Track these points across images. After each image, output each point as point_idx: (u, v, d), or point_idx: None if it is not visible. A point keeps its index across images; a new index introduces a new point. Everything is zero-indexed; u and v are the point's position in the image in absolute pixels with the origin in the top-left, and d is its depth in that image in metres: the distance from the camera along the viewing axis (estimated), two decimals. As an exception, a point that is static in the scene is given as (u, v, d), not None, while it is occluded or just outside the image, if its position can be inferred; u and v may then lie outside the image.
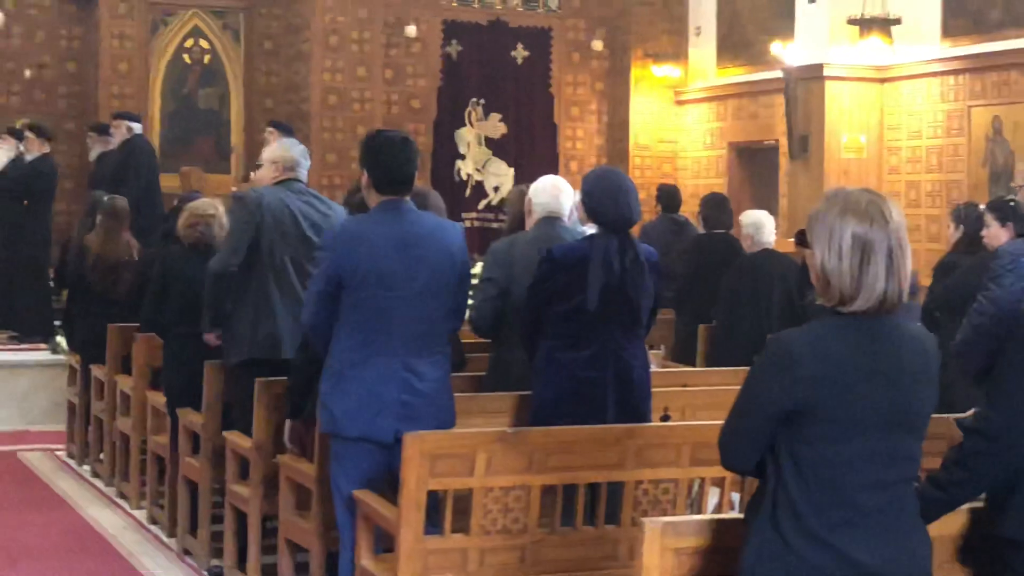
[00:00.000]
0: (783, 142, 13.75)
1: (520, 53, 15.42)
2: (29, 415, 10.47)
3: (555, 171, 13.84)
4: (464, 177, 15.23)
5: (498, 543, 4.40)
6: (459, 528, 4.37)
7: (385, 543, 4.62)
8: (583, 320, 4.91)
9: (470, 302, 5.29)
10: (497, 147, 15.35)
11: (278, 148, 6.32)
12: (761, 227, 8.15)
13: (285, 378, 5.49)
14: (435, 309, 4.77)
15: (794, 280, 7.85)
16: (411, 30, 14.68)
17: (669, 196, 10.27)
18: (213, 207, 7.10)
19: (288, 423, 5.34)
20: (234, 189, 12.28)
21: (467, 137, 15.26)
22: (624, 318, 4.98)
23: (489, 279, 5.54)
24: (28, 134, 11.93)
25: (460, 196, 14.96)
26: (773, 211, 10.61)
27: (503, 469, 4.37)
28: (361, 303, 4.69)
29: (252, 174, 12.39)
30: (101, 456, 8.59)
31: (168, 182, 12.43)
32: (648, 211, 11.15)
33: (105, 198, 8.88)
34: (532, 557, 4.44)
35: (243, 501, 5.94)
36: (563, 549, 4.49)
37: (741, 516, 3.25)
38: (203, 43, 14.54)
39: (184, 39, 14.44)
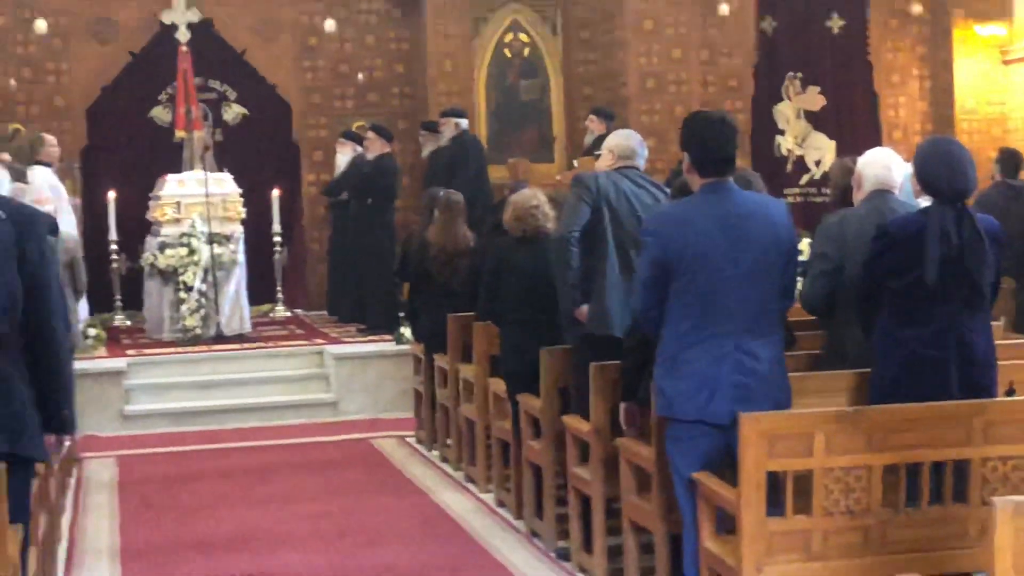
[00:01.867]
0: (1123, 97, 13.07)
1: (836, 23, 15.13)
2: (379, 403, 11.02)
3: (877, 141, 13.58)
4: (785, 152, 15.08)
5: (841, 524, 4.42)
6: (800, 509, 4.40)
7: (727, 525, 4.69)
8: (921, 295, 4.79)
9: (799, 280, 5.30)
10: (817, 120, 15.12)
11: (615, 137, 6.45)
12: (1100, 188, 7.81)
13: (618, 362, 5.62)
14: (764, 289, 4.77)
15: None
16: (724, 8, 14.60)
17: (1008, 159, 9.86)
18: (535, 197, 7.30)
19: (622, 406, 5.47)
20: (558, 178, 12.57)
21: (786, 112, 15.09)
22: (965, 292, 4.84)
23: (821, 255, 5.48)
24: (370, 134, 12.56)
25: (781, 172, 14.83)
26: (1116, 169, 10.10)
27: (843, 449, 4.39)
28: (689, 286, 4.73)
29: (575, 163, 12.70)
30: (448, 441, 8.96)
31: (496, 173, 12.82)
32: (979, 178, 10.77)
33: (441, 193, 9.26)
34: (877, 538, 4.44)
35: (585, 484, 6.11)
36: (908, 529, 4.47)
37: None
38: (522, 36, 14.89)
39: (504, 34, 14.82)
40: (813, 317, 5.87)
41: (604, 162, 6.39)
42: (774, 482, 4.42)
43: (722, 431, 4.72)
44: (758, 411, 4.47)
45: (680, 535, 5.02)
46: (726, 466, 4.72)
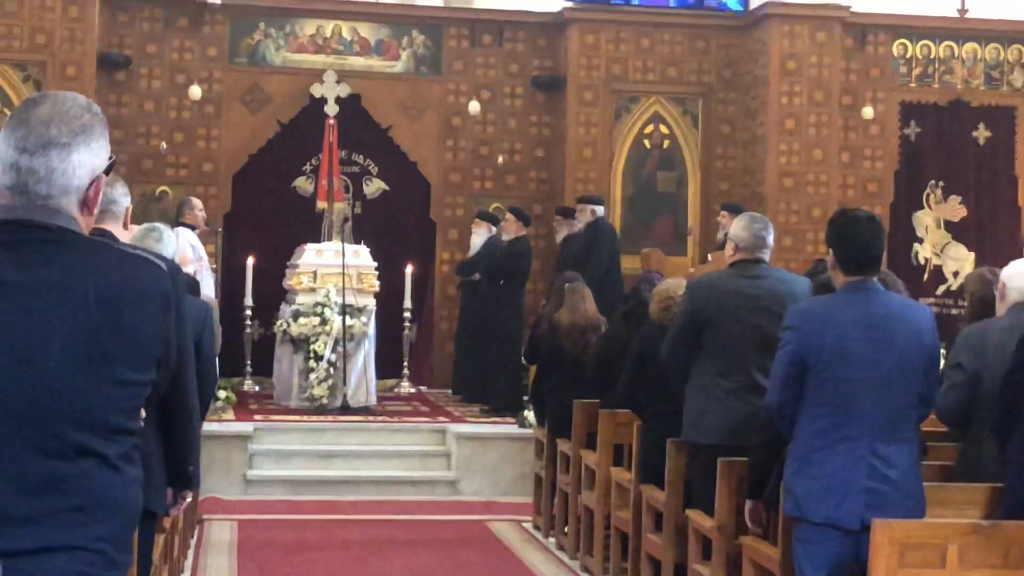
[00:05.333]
0: None
1: (982, 134, 14.97)
2: (498, 485, 10.98)
3: (1017, 256, 13.33)
4: (922, 261, 14.89)
5: (975, 642, 4.30)
6: (931, 623, 4.31)
7: (854, 632, 4.60)
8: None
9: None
10: (956, 230, 14.92)
11: (735, 227, 6.23)
12: None
13: (746, 459, 5.54)
14: (903, 394, 4.70)
15: None
16: (868, 112, 14.55)
17: None
18: (681, 287, 7.25)
19: (748, 503, 5.39)
20: (691, 270, 12.54)
21: (925, 220, 14.92)
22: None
23: (957, 365, 5.38)
24: (508, 216, 12.70)
25: (918, 280, 14.62)
26: None
27: (978, 562, 4.28)
28: (826, 385, 4.68)
29: (708, 256, 12.67)
30: (566, 529, 8.90)
31: (629, 263, 12.83)
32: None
33: (568, 275, 9.36)
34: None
35: (706, 581, 6.03)
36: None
37: None
38: (663, 128, 14.93)
39: (644, 125, 14.89)
40: (945, 428, 5.75)
41: (727, 253, 6.32)
42: (902, 592, 4.33)
43: (851, 536, 4.64)
44: (890, 518, 4.38)
45: (804, 641, 4.91)
46: (853, 572, 4.63)
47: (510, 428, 11.33)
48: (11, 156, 2.50)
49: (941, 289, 14.83)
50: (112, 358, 2.48)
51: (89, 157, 2.54)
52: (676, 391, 6.30)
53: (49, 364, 2.43)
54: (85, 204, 2.57)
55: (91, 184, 2.56)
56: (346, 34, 14.73)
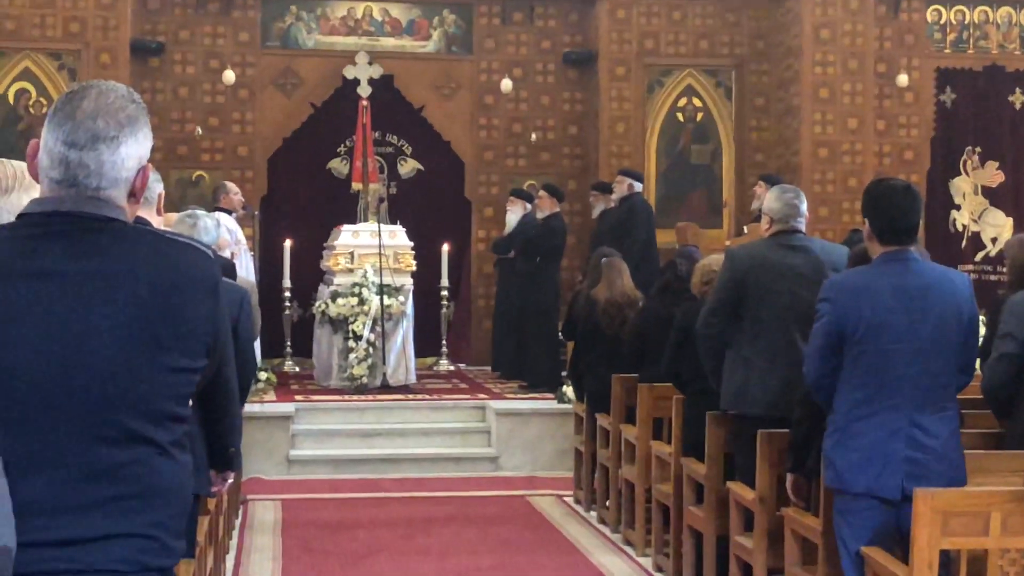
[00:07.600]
0: None
1: (1018, 98, 14.86)
2: (538, 461, 11.04)
3: (1059, 220, 13.27)
4: (959, 228, 14.81)
5: (1016, 606, 4.31)
6: (973, 589, 4.32)
7: (895, 601, 4.61)
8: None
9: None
10: (994, 196, 14.83)
11: (768, 199, 6.26)
12: None
13: (787, 430, 5.54)
14: (942, 363, 4.70)
15: None
16: (903, 79, 14.46)
17: None
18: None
19: (789, 476, 5.41)
20: (727, 243, 12.52)
21: (962, 187, 14.84)
22: None
23: (1007, 335, 5.29)
24: (542, 193, 12.68)
25: (956, 248, 14.56)
26: None
27: (1021, 530, 4.28)
28: (864, 357, 4.68)
29: (744, 229, 12.64)
30: (607, 503, 8.94)
31: (664, 237, 12.82)
32: None
33: (604, 252, 9.35)
34: (1055, 623, 4.32)
35: (747, 553, 6.04)
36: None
37: None
38: (696, 101, 14.90)
39: (677, 98, 14.85)
40: (993, 398, 5.68)
41: (763, 227, 6.31)
42: (945, 561, 4.33)
43: (892, 506, 4.65)
44: (931, 487, 4.39)
45: (844, 610, 4.93)
46: (895, 542, 4.64)
47: (549, 404, 11.36)
48: (60, 151, 2.52)
49: (980, 256, 14.76)
50: (165, 344, 2.51)
51: (136, 148, 2.57)
52: (706, 362, 6.26)
53: (104, 352, 2.46)
54: (133, 193, 2.60)
55: (138, 173, 2.59)
56: (377, 15, 14.75)
